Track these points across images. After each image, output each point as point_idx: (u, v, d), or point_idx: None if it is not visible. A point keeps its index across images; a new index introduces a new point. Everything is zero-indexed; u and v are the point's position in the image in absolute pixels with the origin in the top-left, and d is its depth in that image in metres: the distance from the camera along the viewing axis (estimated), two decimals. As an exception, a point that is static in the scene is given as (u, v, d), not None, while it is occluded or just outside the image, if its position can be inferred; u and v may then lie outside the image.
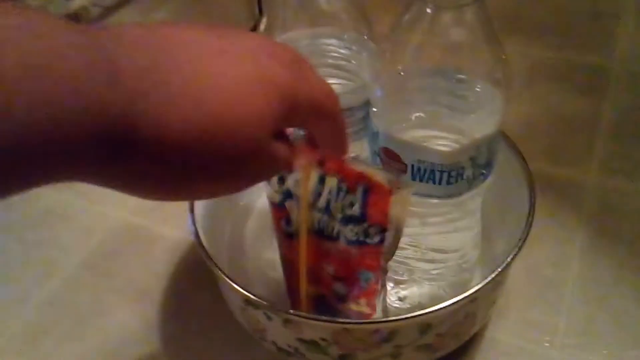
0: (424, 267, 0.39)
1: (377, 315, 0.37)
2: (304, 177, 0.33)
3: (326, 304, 0.38)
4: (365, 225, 0.33)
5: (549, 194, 0.51)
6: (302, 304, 0.38)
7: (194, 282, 0.47)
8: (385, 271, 0.35)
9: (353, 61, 0.38)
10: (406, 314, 0.33)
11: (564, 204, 0.51)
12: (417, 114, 0.35)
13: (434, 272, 0.40)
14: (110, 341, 0.44)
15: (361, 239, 0.34)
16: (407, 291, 0.41)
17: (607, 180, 0.53)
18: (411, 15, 0.31)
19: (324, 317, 0.33)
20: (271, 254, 0.42)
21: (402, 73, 0.34)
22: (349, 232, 0.34)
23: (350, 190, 0.33)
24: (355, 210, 0.33)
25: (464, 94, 0.35)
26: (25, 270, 0.49)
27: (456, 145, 0.33)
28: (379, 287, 0.36)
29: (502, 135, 0.42)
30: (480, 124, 0.34)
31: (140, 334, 0.44)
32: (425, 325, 0.34)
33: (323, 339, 0.34)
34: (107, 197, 0.52)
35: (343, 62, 0.38)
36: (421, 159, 0.32)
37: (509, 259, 0.35)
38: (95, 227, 0.52)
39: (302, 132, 0.31)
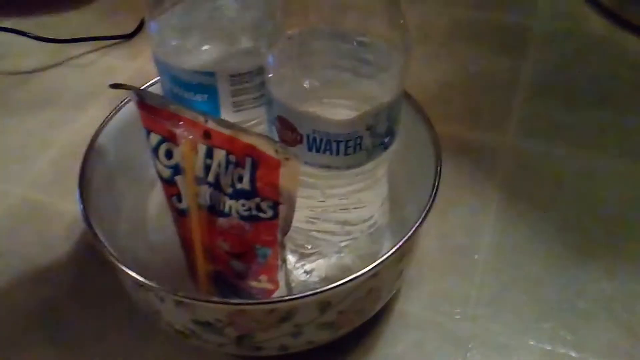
0: (330, 240, 0.38)
1: (281, 290, 0.35)
2: (187, 151, 0.30)
3: (227, 282, 0.36)
4: (257, 199, 0.31)
5: (464, 158, 0.50)
6: (201, 282, 0.36)
7: (96, 261, 0.44)
8: (283, 245, 0.33)
9: (252, 22, 0.35)
10: (312, 288, 0.32)
11: (480, 168, 0.50)
12: (314, 80, 0.32)
13: (341, 244, 0.38)
14: (4, 325, 0.41)
15: (254, 213, 0.32)
16: (313, 264, 0.39)
17: (524, 143, 0.52)
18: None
19: (215, 299, 0.32)
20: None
21: (294, 37, 0.31)
22: (241, 207, 0.32)
23: (238, 163, 0.30)
24: (245, 184, 0.31)
25: (365, 58, 0.33)
26: None
27: (357, 113, 0.31)
28: (279, 262, 0.34)
29: (407, 98, 0.40)
30: (381, 90, 0.32)
31: (38, 315, 0.41)
32: (324, 303, 0.32)
33: (218, 320, 0.33)
34: (2, 173, 0.48)
35: (240, 23, 0.35)
36: (316, 129, 0.30)
37: (411, 231, 0.33)
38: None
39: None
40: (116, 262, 0.32)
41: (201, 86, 0.33)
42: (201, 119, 0.30)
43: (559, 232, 0.45)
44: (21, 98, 0.61)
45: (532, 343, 0.39)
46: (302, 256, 0.39)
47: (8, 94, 0.61)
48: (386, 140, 0.33)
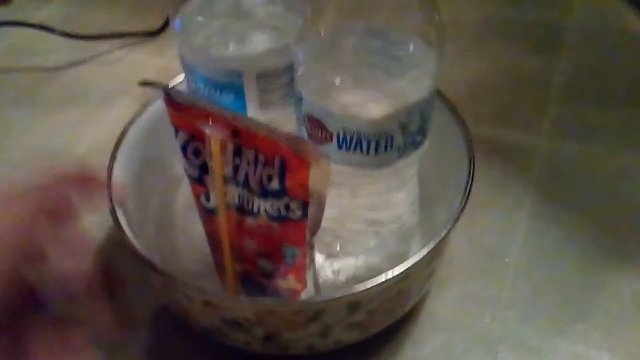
0: (358, 240, 0.37)
1: (309, 290, 0.35)
2: (215, 150, 0.30)
3: (254, 281, 0.36)
4: (286, 199, 0.30)
5: (496, 158, 0.49)
6: (229, 281, 0.36)
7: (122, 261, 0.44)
8: (312, 246, 0.33)
9: (278, 20, 0.34)
10: (341, 288, 0.31)
11: (512, 169, 0.49)
12: (345, 77, 0.32)
13: (369, 244, 0.38)
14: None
15: (283, 214, 0.31)
16: (341, 264, 0.38)
17: (557, 144, 0.51)
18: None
19: (243, 297, 0.31)
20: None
21: (325, 33, 0.31)
22: (270, 207, 0.31)
23: (267, 163, 0.30)
24: (274, 184, 0.30)
25: (397, 55, 0.32)
26: None
27: (389, 110, 0.31)
28: (307, 262, 0.34)
29: (440, 97, 0.40)
30: (413, 87, 0.31)
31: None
32: (354, 304, 0.32)
33: (246, 319, 0.32)
34: (29, 170, 0.48)
35: (267, 21, 0.34)
36: (346, 127, 0.30)
37: (444, 233, 0.33)
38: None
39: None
40: (146, 261, 0.32)
41: (227, 85, 0.32)
42: (230, 117, 0.29)
43: (592, 234, 0.44)
44: (48, 95, 0.61)
45: (563, 346, 0.38)
46: (330, 256, 0.38)
47: (35, 90, 0.62)
48: (418, 138, 0.32)
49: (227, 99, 0.33)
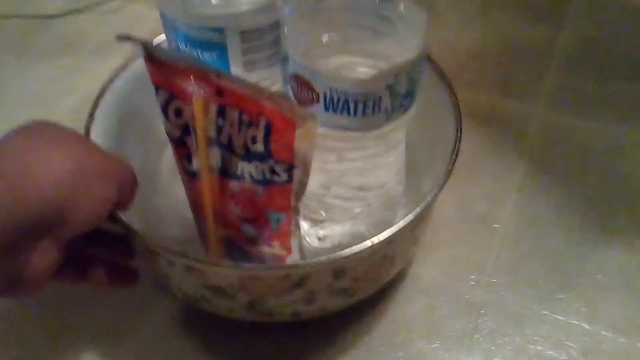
0: (344, 205, 0.37)
1: (294, 256, 0.34)
2: (197, 109, 0.29)
3: (238, 247, 0.35)
4: (271, 162, 0.30)
5: (492, 127, 0.48)
6: (212, 247, 0.35)
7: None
8: (297, 211, 0.32)
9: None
10: (326, 254, 0.31)
11: (507, 138, 0.48)
12: (334, 36, 0.31)
13: (356, 210, 0.37)
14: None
15: (267, 177, 0.30)
16: (327, 230, 0.38)
17: (554, 115, 0.50)
18: None
19: (227, 263, 0.30)
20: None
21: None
22: (254, 169, 0.30)
23: (252, 124, 0.29)
24: (259, 145, 0.29)
25: (387, 15, 0.31)
26: None
27: (377, 71, 0.30)
28: (292, 228, 0.33)
29: (430, 64, 0.39)
30: (402, 48, 0.30)
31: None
32: (339, 270, 0.31)
33: (230, 285, 0.32)
34: (22, 118, 0.47)
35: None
36: (334, 87, 0.29)
37: (429, 198, 0.32)
38: None
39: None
40: (125, 224, 0.31)
41: (210, 43, 0.31)
42: (214, 75, 0.28)
43: (582, 206, 0.44)
44: (42, 43, 0.59)
45: (545, 313, 0.38)
46: (316, 222, 0.38)
47: (28, 38, 0.60)
48: (406, 101, 0.31)
49: (209, 58, 0.32)
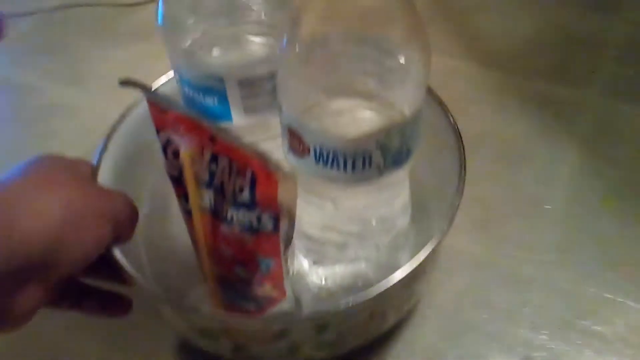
0: (344, 247, 0.36)
1: (288, 298, 0.34)
2: (186, 157, 0.29)
3: (233, 286, 0.35)
4: (257, 211, 0.30)
5: (546, 112, 0.49)
6: (209, 284, 0.36)
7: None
8: (286, 258, 0.32)
9: (271, 18, 0.33)
10: (325, 296, 0.30)
11: (561, 123, 0.49)
12: (334, 80, 0.30)
13: (358, 252, 0.36)
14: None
15: (254, 225, 0.30)
16: (327, 270, 0.37)
17: (608, 101, 0.51)
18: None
19: (205, 311, 0.31)
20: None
21: (304, 42, 0.29)
22: (242, 217, 0.30)
23: (240, 173, 0.29)
24: (245, 195, 0.29)
25: (390, 65, 0.31)
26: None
27: (370, 127, 0.29)
28: (284, 272, 0.33)
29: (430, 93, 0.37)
30: (405, 98, 0.29)
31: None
32: (321, 325, 0.31)
33: (214, 329, 0.32)
34: (107, 98, 0.49)
35: (258, 20, 0.33)
36: (323, 143, 0.29)
37: (422, 256, 0.31)
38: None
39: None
40: (118, 264, 0.32)
41: (211, 90, 0.32)
42: (206, 124, 0.29)
43: (634, 192, 0.44)
44: (127, 28, 0.63)
45: (592, 290, 0.39)
46: (316, 262, 0.37)
47: (112, 24, 0.63)
48: (400, 157, 0.30)
49: (210, 102, 0.32)
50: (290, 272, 0.38)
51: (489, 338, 0.37)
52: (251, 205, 0.30)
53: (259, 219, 0.30)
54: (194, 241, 0.35)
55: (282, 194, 0.28)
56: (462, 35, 0.55)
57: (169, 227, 0.43)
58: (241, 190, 0.29)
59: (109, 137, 0.37)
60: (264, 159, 0.27)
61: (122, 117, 0.39)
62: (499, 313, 0.38)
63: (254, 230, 0.31)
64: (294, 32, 0.28)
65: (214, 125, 0.29)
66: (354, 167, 0.29)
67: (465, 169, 0.34)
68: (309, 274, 0.38)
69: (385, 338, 0.37)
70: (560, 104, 0.51)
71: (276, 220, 0.29)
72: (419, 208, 0.38)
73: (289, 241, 0.31)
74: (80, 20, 0.65)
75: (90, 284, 0.34)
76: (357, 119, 0.33)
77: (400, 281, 0.30)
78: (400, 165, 0.31)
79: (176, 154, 0.32)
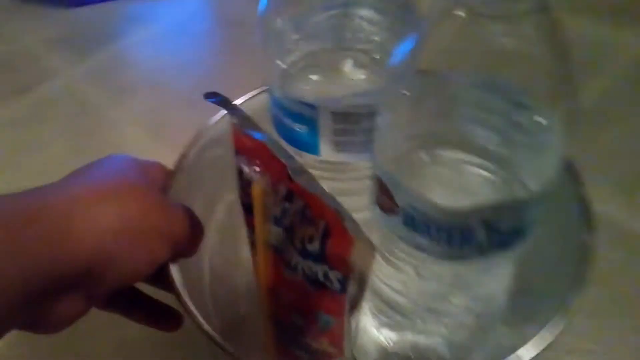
0: (418, 319, 0.31)
1: (347, 357, 0.30)
2: (257, 192, 0.26)
3: (288, 331, 0.32)
4: (325, 267, 0.26)
5: None
6: (264, 323, 0.33)
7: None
8: (351, 321, 0.28)
9: (382, 47, 0.29)
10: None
11: None
12: (447, 127, 0.26)
13: (431, 326, 0.31)
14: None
15: (320, 280, 0.26)
16: (397, 335, 0.33)
17: None
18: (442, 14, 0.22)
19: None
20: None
21: (418, 76, 0.24)
22: (308, 267, 0.27)
23: (313, 222, 0.25)
24: (315, 247, 0.25)
25: (520, 122, 0.25)
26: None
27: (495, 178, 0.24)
28: (345, 333, 0.29)
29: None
30: (531, 167, 0.24)
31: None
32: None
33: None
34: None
35: (366, 47, 0.29)
36: (415, 207, 0.24)
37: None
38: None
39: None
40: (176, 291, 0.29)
41: (302, 116, 0.28)
42: (284, 161, 0.25)
43: None
44: None
45: None
46: (386, 325, 0.33)
47: None
48: (511, 238, 0.25)
49: (299, 129, 0.29)
50: (354, 327, 0.34)
51: None
52: (319, 258, 0.26)
53: (325, 275, 0.26)
54: (256, 274, 0.32)
55: (356, 257, 0.24)
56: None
57: (238, 253, 0.40)
58: (311, 239, 0.26)
59: (191, 145, 0.35)
60: (341, 216, 0.23)
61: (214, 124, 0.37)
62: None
63: (319, 284, 0.27)
64: (409, 63, 0.24)
65: (295, 162, 0.25)
66: (449, 241, 0.24)
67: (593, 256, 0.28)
68: (376, 334, 0.34)
69: None
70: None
71: (344, 282, 0.25)
72: (521, 292, 0.32)
73: (356, 305, 0.27)
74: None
75: (141, 292, 0.32)
76: (463, 181, 0.28)
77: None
78: (510, 249, 0.25)
79: (249, 183, 0.28)
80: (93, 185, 0.26)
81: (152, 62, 0.62)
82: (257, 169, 0.26)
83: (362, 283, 0.25)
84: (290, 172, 0.24)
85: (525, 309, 0.32)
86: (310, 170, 0.34)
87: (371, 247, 0.23)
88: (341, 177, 0.33)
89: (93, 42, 0.65)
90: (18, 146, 0.53)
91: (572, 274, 0.28)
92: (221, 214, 0.39)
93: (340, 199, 0.35)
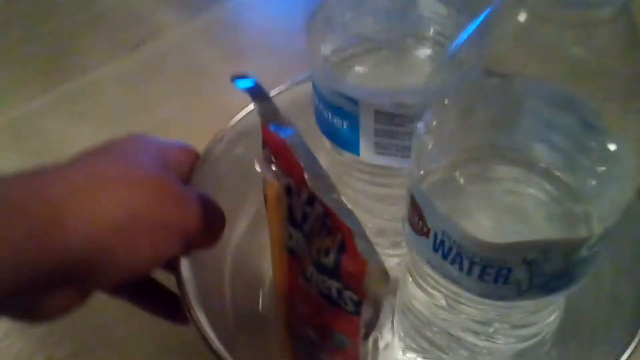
0: (449, 349, 0.28)
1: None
2: (271, 196, 0.23)
3: (303, 341, 0.30)
4: (339, 285, 0.23)
5: None
6: (279, 328, 0.30)
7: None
8: (366, 344, 0.25)
9: (442, 39, 0.25)
10: None
11: None
12: (507, 144, 0.22)
13: (463, 353, 0.28)
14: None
15: (334, 297, 0.24)
16: (418, 357, 0.30)
17: None
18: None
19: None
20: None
21: (474, 76, 0.21)
22: (322, 282, 0.24)
23: (330, 232, 0.22)
24: (330, 261, 0.23)
25: (591, 147, 0.22)
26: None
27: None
28: (360, 356, 0.26)
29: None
30: (598, 198, 0.21)
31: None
32: None
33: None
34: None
35: (428, 37, 0.25)
36: (447, 233, 0.21)
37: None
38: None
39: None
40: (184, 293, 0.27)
41: (342, 110, 0.25)
42: (303, 172, 0.22)
43: None
44: None
45: None
46: (415, 351, 0.30)
47: None
48: (556, 283, 0.21)
49: (339, 124, 0.26)
50: (382, 346, 0.32)
51: None
52: (334, 274, 0.23)
53: (339, 293, 0.23)
54: (273, 276, 0.30)
55: (371, 280, 0.21)
56: None
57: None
58: (327, 252, 0.23)
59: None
60: (354, 235, 0.20)
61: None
62: None
63: (333, 302, 0.24)
64: (471, 61, 0.20)
65: (312, 168, 0.22)
66: (481, 276, 0.21)
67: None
68: (401, 356, 0.31)
69: None
70: None
71: (358, 305, 0.23)
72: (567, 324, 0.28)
73: (371, 329, 0.24)
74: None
75: (152, 280, 0.30)
76: (515, 201, 0.24)
77: None
78: (554, 294, 0.21)
79: (265, 182, 0.26)
80: (96, 172, 0.24)
81: (263, 24, 0.61)
82: (274, 167, 0.24)
83: (377, 308, 0.22)
84: (306, 176, 0.21)
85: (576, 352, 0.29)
86: (352, 172, 0.31)
87: (384, 274, 0.20)
88: (385, 181, 0.30)
89: (203, 0, 0.64)
90: (127, 104, 0.52)
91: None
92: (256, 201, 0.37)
93: (381, 206, 0.32)
